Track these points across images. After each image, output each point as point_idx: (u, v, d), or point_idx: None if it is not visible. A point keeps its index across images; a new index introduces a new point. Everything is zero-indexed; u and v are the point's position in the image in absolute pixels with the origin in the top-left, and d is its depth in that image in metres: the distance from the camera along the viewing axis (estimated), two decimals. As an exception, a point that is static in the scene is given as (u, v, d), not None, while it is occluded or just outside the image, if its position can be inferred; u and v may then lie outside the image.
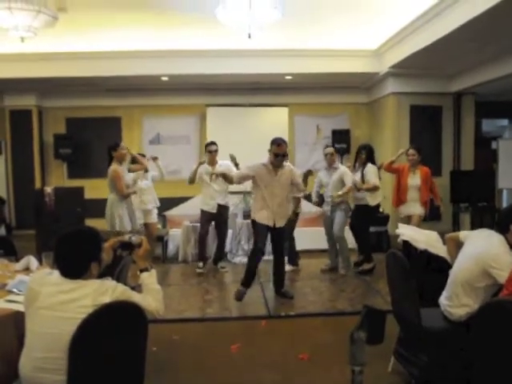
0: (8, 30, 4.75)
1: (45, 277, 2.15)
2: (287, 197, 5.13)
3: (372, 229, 6.72)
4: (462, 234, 3.25)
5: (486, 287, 2.81)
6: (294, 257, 6.41)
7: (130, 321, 2.12)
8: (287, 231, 6.20)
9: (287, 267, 6.23)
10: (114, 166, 5.08)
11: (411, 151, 6.07)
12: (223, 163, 6.19)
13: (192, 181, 6.19)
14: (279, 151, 4.82)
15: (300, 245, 6.57)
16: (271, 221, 4.95)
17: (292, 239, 6.35)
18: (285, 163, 5.01)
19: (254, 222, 5.06)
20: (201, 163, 6.17)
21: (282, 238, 5.17)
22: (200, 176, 6.21)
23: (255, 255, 5.02)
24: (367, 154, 6.19)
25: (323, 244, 6.39)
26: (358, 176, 6.11)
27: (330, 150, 6.14)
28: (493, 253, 2.79)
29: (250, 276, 5.05)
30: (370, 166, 6.12)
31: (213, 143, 6.33)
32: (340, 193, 5.84)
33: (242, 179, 5.06)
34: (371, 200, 6.14)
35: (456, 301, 2.91)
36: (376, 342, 2.60)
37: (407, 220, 5.92)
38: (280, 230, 5.06)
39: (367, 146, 6.35)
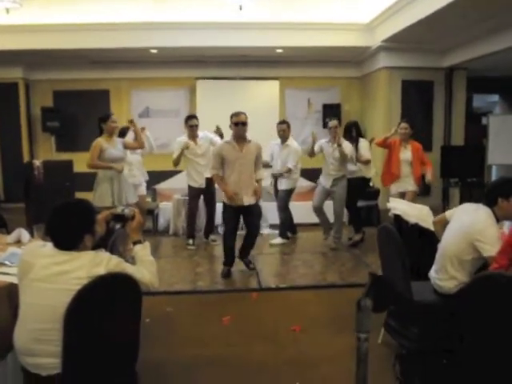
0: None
1: (38, 249, 2.13)
2: (253, 174, 4.96)
3: (362, 203, 6.77)
4: (448, 213, 3.27)
5: (473, 260, 2.84)
6: (284, 230, 6.43)
7: (124, 292, 2.12)
8: (280, 204, 6.25)
9: (277, 240, 6.29)
10: (99, 139, 4.92)
11: (403, 125, 6.02)
12: (204, 135, 6.15)
13: (176, 164, 6.09)
14: (238, 120, 4.77)
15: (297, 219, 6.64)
16: (241, 201, 4.86)
17: (284, 211, 6.36)
18: (250, 139, 4.92)
19: (224, 204, 5.00)
20: (186, 148, 5.99)
21: (254, 215, 5.08)
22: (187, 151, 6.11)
23: (228, 237, 5.04)
24: (357, 131, 6.30)
25: (314, 218, 6.40)
26: (352, 151, 6.14)
27: (334, 122, 5.96)
28: (479, 226, 2.81)
29: (228, 255, 5.08)
30: (362, 140, 6.29)
31: (193, 117, 6.24)
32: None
33: (220, 166, 4.88)
34: (366, 172, 6.28)
35: (445, 274, 2.94)
36: (381, 310, 2.64)
37: (401, 196, 5.89)
38: (251, 207, 4.94)
39: (356, 123, 6.48)
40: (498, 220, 2.90)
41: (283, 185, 6.29)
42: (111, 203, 4.76)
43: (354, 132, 6.27)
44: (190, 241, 6.27)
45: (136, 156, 6.14)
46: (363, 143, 6.25)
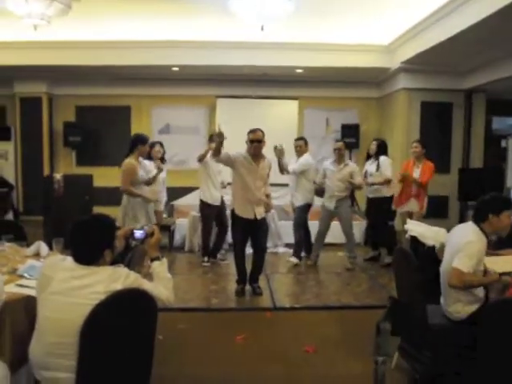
0: (21, 18, 4.76)
1: (58, 262, 2.17)
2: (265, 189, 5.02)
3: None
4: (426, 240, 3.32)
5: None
6: (298, 249, 6.31)
7: (140, 308, 2.14)
8: (294, 221, 6.19)
9: (292, 259, 6.24)
10: (131, 160, 4.79)
11: (414, 144, 6.07)
12: None
13: (201, 159, 6.12)
14: (254, 137, 4.79)
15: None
16: (252, 213, 4.86)
17: (298, 230, 6.25)
18: (266, 156, 4.96)
19: (233, 215, 4.98)
20: (211, 149, 5.80)
21: (263, 230, 5.09)
22: (207, 162, 6.08)
23: (238, 254, 5.06)
24: (378, 146, 6.29)
25: (331, 237, 6.38)
26: (372, 167, 6.15)
27: (339, 144, 6.08)
28: (464, 241, 2.85)
29: (240, 274, 5.09)
30: (384, 158, 6.24)
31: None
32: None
33: (225, 159, 4.81)
34: (386, 191, 6.21)
35: (450, 298, 2.93)
36: (400, 334, 2.62)
37: (406, 216, 5.88)
38: (261, 221, 4.96)
39: (378, 139, 6.57)
40: (487, 236, 2.93)
41: (298, 201, 6.23)
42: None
43: (373, 145, 6.33)
44: (206, 258, 6.30)
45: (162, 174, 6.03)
46: (385, 161, 6.20)
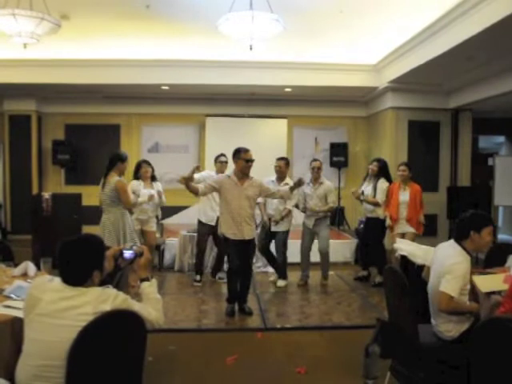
0: (11, 36, 4.76)
1: (46, 283, 2.13)
2: (253, 209, 4.98)
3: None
4: (428, 259, 3.35)
5: (459, 296, 2.85)
6: (285, 271, 6.24)
7: (129, 330, 2.12)
8: (279, 245, 6.11)
9: (282, 282, 6.19)
10: (117, 178, 4.90)
11: (402, 167, 6.04)
12: (207, 174, 6.02)
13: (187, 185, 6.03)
14: (249, 156, 4.80)
15: (297, 257, 6.56)
16: (241, 234, 4.83)
17: (284, 253, 6.16)
18: (252, 176, 4.94)
19: (225, 238, 4.96)
20: (196, 168, 5.94)
21: (252, 251, 5.08)
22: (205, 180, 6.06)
23: (232, 275, 5.02)
24: (379, 167, 6.23)
25: (316, 256, 6.36)
26: (369, 188, 6.17)
27: (317, 163, 6.07)
28: (448, 263, 2.87)
29: (232, 294, 5.06)
30: (382, 181, 6.17)
31: (222, 155, 6.15)
32: (324, 208, 6.01)
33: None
34: (380, 212, 6.18)
35: (440, 318, 2.94)
36: (388, 356, 2.59)
37: (401, 237, 5.88)
38: (250, 242, 4.95)
39: (381, 160, 6.42)
40: (470, 253, 2.96)
41: (281, 226, 6.04)
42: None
43: (375, 167, 6.24)
44: (198, 277, 6.23)
45: (148, 191, 5.86)
46: (382, 184, 6.14)
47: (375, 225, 6.23)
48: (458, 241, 3.00)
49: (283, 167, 6.04)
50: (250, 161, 4.81)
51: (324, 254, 6.19)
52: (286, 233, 6.12)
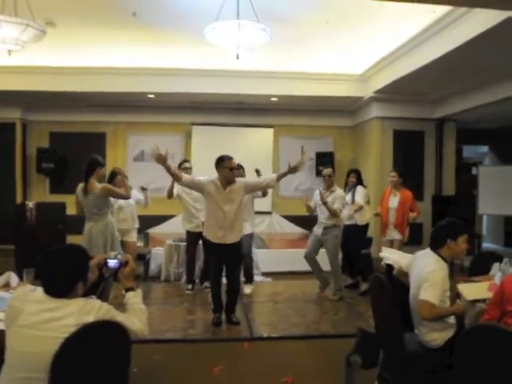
0: (-5, 43, 4.72)
1: (28, 294, 2.09)
2: (239, 212, 4.87)
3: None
4: (404, 264, 3.36)
5: (441, 303, 2.88)
6: (252, 275, 6.30)
7: (113, 341, 2.09)
8: (245, 248, 6.07)
9: (249, 288, 6.19)
10: (100, 184, 4.88)
11: (392, 173, 6.19)
12: None
13: (169, 195, 6.04)
14: (233, 165, 4.75)
15: (283, 266, 6.57)
16: (222, 239, 4.76)
17: (250, 256, 6.19)
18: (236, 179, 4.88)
19: (204, 242, 4.93)
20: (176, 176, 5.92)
21: (236, 256, 4.96)
22: (179, 194, 6.10)
23: (214, 282, 5.00)
24: (357, 177, 6.36)
25: (306, 265, 6.34)
26: (348, 197, 6.21)
27: (328, 171, 6.05)
28: (427, 271, 2.90)
29: (216, 302, 5.02)
30: (359, 187, 6.32)
31: (186, 161, 6.31)
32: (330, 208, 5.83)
33: (191, 183, 4.81)
34: (359, 219, 6.24)
35: (424, 327, 2.94)
36: (370, 366, 2.58)
37: (390, 244, 5.98)
38: (233, 247, 4.82)
39: (356, 170, 6.57)
40: (447, 261, 2.99)
41: (246, 229, 5.82)
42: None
43: (353, 178, 6.34)
44: (189, 286, 6.24)
45: (128, 201, 5.90)
46: (359, 189, 6.29)
47: (354, 232, 6.26)
48: (434, 249, 3.03)
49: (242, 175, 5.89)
50: (233, 169, 4.79)
51: (332, 265, 6.02)
52: (251, 235, 6.07)
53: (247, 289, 6.20)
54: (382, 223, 6.22)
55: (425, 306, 2.82)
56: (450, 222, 3.12)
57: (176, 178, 4.79)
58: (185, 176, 4.82)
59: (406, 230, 6.10)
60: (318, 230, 6.06)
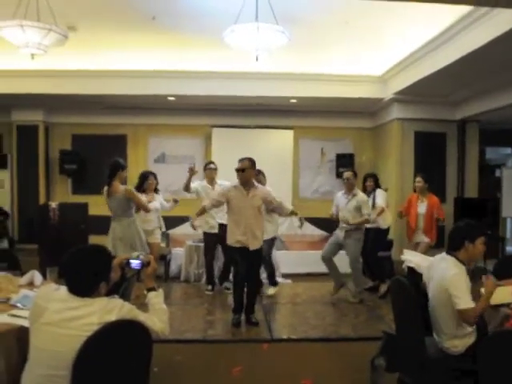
0: (19, 47, 4.80)
1: (52, 292, 2.13)
2: (260, 217, 4.97)
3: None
4: (424, 270, 3.31)
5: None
6: (275, 278, 6.32)
7: (134, 340, 2.11)
8: (265, 250, 5.97)
9: (271, 291, 6.20)
10: (124, 186, 4.91)
11: (417, 178, 6.20)
12: (223, 183, 6.12)
13: (186, 188, 6.16)
14: (238, 167, 4.82)
15: (303, 268, 6.55)
16: (245, 244, 4.83)
17: (270, 261, 6.20)
18: (258, 184, 4.98)
19: (230, 248, 5.01)
20: (192, 171, 6.07)
21: (257, 261, 5.05)
22: (198, 191, 6.22)
23: (237, 284, 5.04)
24: (375, 182, 6.39)
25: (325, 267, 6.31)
26: (369, 202, 6.19)
27: (348, 174, 5.95)
28: (449, 278, 2.84)
29: (237, 304, 5.05)
30: (379, 190, 6.36)
31: (211, 162, 6.44)
32: (356, 221, 5.79)
33: (214, 206, 5.06)
34: (382, 222, 6.27)
35: (445, 335, 2.89)
36: (395, 370, 2.55)
37: (414, 247, 5.99)
38: (255, 252, 4.91)
39: (373, 175, 6.58)
40: (464, 264, 2.93)
41: (267, 234, 5.88)
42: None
43: (371, 182, 6.38)
44: (209, 286, 6.30)
45: (155, 203, 5.97)
46: (380, 192, 6.33)
47: (376, 235, 6.25)
48: (452, 252, 2.98)
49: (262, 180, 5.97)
50: (239, 171, 4.83)
51: (352, 268, 5.98)
52: (271, 241, 6.10)
53: (271, 290, 6.19)
54: (410, 229, 6.20)
55: (468, 313, 2.76)
56: (467, 223, 3.07)
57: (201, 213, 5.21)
58: (206, 206, 5.05)
59: (435, 235, 6.10)
60: (340, 232, 5.99)
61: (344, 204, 5.92)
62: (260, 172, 5.97)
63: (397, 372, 2.75)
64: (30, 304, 2.49)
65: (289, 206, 5.19)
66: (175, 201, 6.24)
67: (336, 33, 6.04)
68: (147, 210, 5.24)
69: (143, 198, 5.40)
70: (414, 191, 6.30)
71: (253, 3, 4.64)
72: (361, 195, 5.92)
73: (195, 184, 6.28)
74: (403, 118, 8.37)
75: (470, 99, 7.87)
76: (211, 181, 6.25)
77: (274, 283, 6.29)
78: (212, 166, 6.36)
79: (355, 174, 6.02)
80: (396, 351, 2.67)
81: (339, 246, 6.02)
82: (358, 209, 5.80)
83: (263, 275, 6.62)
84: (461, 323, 2.83)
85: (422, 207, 6.09)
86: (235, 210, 4.85)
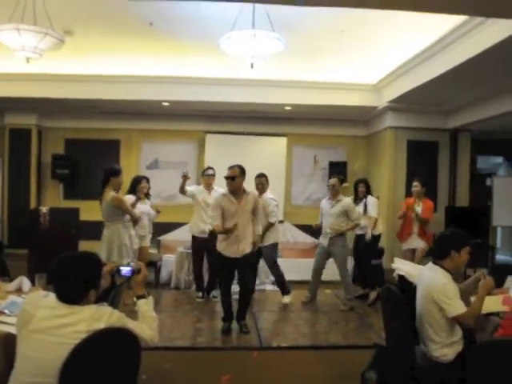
0: (14, 51, 4.79)
1: (40, 299, 2.11)
2: (250, 224, 4.94)
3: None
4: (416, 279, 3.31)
5: (449, 319, 2.83)
6: (285, 285, 6.22)
7: (123, 347, 2.10)
8: (270, 260, 6.07)
9: (287, 299, 6.15)
10: (113, 193, 4.95)
11: (414, 182, 6.26)
12: (219, 189, 6.13)
13: (181, 191, 6.14)
14: (227, 175, 4.82)
15: (294, 275, 6.54)
16: (237, 252, 4.82)
17: (276, 267, 6.15)
18: (249, 190, 4.96)
19: (220, 256, 4.94)
20: (185, 177, 6.07)
21: (248, 266, 4.99)
22: (194, 194, 6.19)
23: (224, 291, 5.02)
24: (366, 187, 6.42)
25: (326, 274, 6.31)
26: (360, 208, 6.24)
27: (333, 180, 6.08)
28: (438, 286, 2.84)
29: (226, 313, 5.04)
30: (370, 198, 6.41)
31: (210, 168, 6.40)
32: (347, 227, 5.90)
33: (220, 217, 4.83)
34: (375, 229, 6.31)
35: (432, 344, 2.89)
36: (386, 382, 2.54)
37: (411, 253, 6.02)
38: (246, 258, 4.88)
39: (365, 180, 6.62)
40: (451, 272, 2.94)
41: (266, 240, 5.97)
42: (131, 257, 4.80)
43: (362, 188, 6.41)
44: (200, 294, 6.29)
45: (146, 206, 6.06)
46: (372, 200, 6.37)
47: (366, 243, 6.29)
48: (437, 262, 2.99)
49: (265, 184, 6.08)
50: (228, 178, 4.83)
51: (342, 275, 6.03)
52: (273, 246, 6.08)
53: (285, 299, 6.13)
54: (404, 231, 6.24)
55: (465, 316, 2.77)
56: (452, 232, 3.10)
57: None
58: (217, 228, 4.88)
59: (430, 237, 6.09)
60: (324, 240, 6.07)
61: (328, 209, 6.00)
62: (264, 176, 6.09)
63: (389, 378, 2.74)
64: (17, 310, 2.46)
65: (260, 230, 5.18)
66: (157, 211, 6.22)
67: (331, 41, 6.07)
68: (134, 219, 5.17)
69: (133, 199, 5.40)
70: (411, 195, 6.34)
71: (249, 10, 4.65)
72: (346, 200, 6.00)
73: (192, 188, 6.29)
74: (396, 126, 8.41)
75: (462, 108, 7.93)
76: (208, 186, 6.23)
77: (286, 291, 6.17)
78: (210, 171, 6.32)
79: (341, 181, 6.13)
80: (387, 363, 2.66)
81: (328, 254, 6.07)
82: (343, 214, 5.90)
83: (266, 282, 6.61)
84: (450, 331, 2.84)
85: (417, 211, 6.12)
86: (228, 218, 4.82)
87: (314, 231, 6.71)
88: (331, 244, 5.95)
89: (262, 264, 6.54)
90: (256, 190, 5.91)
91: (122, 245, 4.91)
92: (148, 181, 6.08)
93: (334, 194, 6.00)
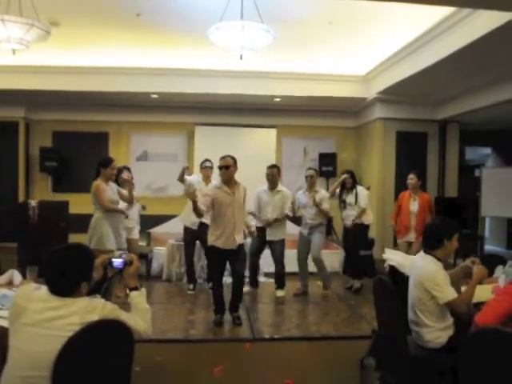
0: (0, 42, 4.72)
1: (32, 292, 2.09)
2: (242, 214, 5.00)
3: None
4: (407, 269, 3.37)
5: (439, 304, 2.88)
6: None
7: (116, 340, 2.09)
8: (279, 255, 6.07)
9: (281, 292, 6.15)
10: (97, 181, 4.93)
11: (410, 175, 6.19)
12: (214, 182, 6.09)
13: (180, 179, 6.11)
14: (221, 164, 4.82)
15: (286, 267, 6.54)
16: (232, 244, 4.81)
17: (282, 263, 6.14)
18: (239, 181, 4.95)
19: (211, 248, 4.92)
20: (186, 168, 6.10)
21: (240, 257, 4.99)
22: (191, 184, 6.07)
23: (215, 284, 5.03)
24: (353, 178, 6.41)
25: (310, 267, 6.34)
26: (350, 199, 6.29)
27: (311, 172, 6.16)
28: (429, 274, 2.90)
29: (218, 305, 5.03)
30: (361, 188, 6.43)
31: (207, 160, 6.31)
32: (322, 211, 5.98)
33: (209, 207, 4.79)
34: (365, 219, 6.33)
35: (425, 329, 2.94)
36: (384, 368, 2.56)
37: (406, 245, 6.03)
38: (238, 249, 4.88)
39: (350, 171, 6.59)
40: (441, 261, 2.98)
41: (278, 235, 6.04)
42: (115, 246, 4.75)
43: (350, 179, 6.38)
44: (191, 286, 6.26)
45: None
46: (362, 191, 6.38)
47: (356, 232, 6.31)
48: (429, 251, 3.02)
49: (276, 175, 6.07)
50: (222, 168, 4.83)
51: (317, 261, 6.13)
52: (283, 241, 6.13)
53: (280, 292, 6.14)
54: (402, 226, 6.16)
55: (457, 302, 2.83)
56: (442, 221, 3.14)
57: (200, 215, 4.88)
58: (202, 209, 4.74)
59: None
60: (304, 230, 6.19)
61: (306, 202, 6.07)
62: (276, 166, 6.19)
63: (387, 371, 2.76)
64: (9, 304, 2.44)
65: (249, 220, 5.36)
66: (143, 207, 6.20)
67: (320, 32, 6.07)
68: (107, 208, 4.96)
69: (123, 191, 5.34)
70: (406, 189, 6.28)
71: (238, 2, 4.63)
72: (322, 192, 6.12)
73: (191, 177, 6.25)
74: (385, 117, 8.45)
75: (451, 100, 7.97)
76: (206, 179, 6.19)
77: (282, 285, 6.18)
78: (208, 163, 6.24)
79: (318, 173, 6.29)
80: (384, 350, 2.68)
81: (309, 243, 6.15)
82: (325, 213, 6.00)
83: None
84: (442, 318, 2.89)
85: (414, 205, 6.09)
86: (220, 210, 4.80)
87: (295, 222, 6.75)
88: (311, 232, 6.10)
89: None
90: (266, 181, 6.03)
91: (103, 232, 4.85)
92: (129, 170, 5.98)
93: (311, 185, 6.09)
